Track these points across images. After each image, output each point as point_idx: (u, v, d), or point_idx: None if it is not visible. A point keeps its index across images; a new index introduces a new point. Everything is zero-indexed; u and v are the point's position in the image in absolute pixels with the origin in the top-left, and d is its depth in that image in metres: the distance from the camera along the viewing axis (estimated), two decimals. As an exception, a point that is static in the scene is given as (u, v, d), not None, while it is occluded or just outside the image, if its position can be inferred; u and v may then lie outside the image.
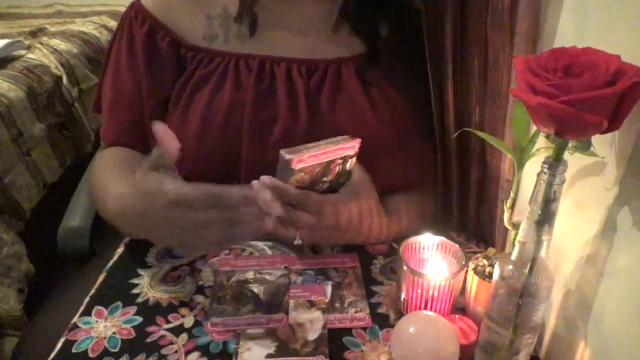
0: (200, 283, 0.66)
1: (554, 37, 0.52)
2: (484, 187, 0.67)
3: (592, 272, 0.47)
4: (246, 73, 0.70)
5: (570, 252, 0.51)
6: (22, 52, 1.56)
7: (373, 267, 0.69)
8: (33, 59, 1.53)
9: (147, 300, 0.63)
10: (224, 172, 0.70)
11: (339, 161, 0.63)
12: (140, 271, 0.68)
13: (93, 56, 1.75)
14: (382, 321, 0.61)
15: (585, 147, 0.42)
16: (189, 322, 0.60)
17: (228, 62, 0.70)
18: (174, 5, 0.72)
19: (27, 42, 1.63)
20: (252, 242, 0.73)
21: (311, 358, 0.55)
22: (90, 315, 0.61)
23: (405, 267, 0.57)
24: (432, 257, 0.62)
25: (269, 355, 0.55)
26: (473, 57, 0.60)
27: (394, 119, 0.70)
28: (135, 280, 0.67)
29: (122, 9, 0.77)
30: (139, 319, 0.60)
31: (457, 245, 0.60)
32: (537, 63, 0.39)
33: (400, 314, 0.61)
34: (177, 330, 0.59)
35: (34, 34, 1.77)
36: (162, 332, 0.59)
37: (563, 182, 0.43)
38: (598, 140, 0.43)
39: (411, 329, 0.53)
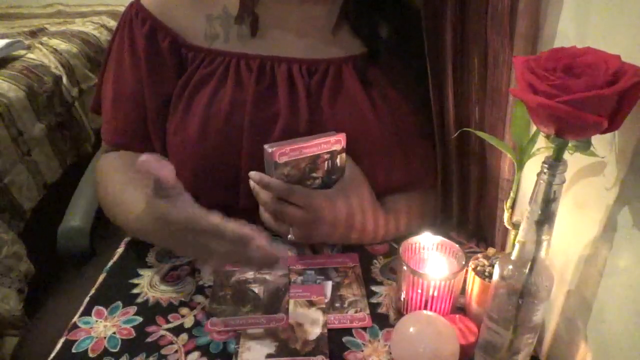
0: (200, 283, 0.66)
1: (554, 37, 0.52)
2: (484, 187, 0.67)
3: (592, 272, 0.47)
4: (247, 73, 0.70)
5: (570, 252, 0.51)
6: (22, 52, 1.56)
7: (373, 267, 0.69)
8: (33, 59, 1.53)
9: (147, 300, 0.63)
10: (225, 172, 0.70)
11: (326, 156, 0.64)
12: (140, 271, 0.68)
13: (93, 56, 1.75)
14: (382, 321, 0.61)
15: (585, 147, 0.42)
16: (189, 322, 0.60)
17: (229, 62, 0.70)
18: (174, 5, 0.72)
19: (27, 42, 1.63)
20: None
21: (311, 358, 0.55)
22: (90, 315, 0.61)
23: (405, 267, 0.57)
24: (432, 257, 0.62)
25: (269, 355, 0.55)
26: (473, 57, 0.60)
27: (394, 118, 0.70)
28: (135, 280, 0.67)
29: (122, 9, 0.77)
30: (139, 319, 0.60)
31: (457, 245, 0.60)
32: (537, 63, 0.39)
33: (400, 314, 0.61)
34: (177, 330, 0.59)
35: (34, 34, 1.77)
36: (162, 332, 0.59)
37: (563, 182, 0.43)
38: (598, 140, 0.43)
39: (411, 329, 0.53)
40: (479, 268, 0.58)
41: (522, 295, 0.46)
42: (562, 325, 0.53)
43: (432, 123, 0.68)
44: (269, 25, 0.72)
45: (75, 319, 0.61)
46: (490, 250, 0.61)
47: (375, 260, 0.70)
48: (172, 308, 0.62)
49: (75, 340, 0.58)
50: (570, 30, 0.49)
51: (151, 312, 0.62)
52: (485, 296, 0.55)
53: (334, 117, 0.69)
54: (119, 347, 0.57)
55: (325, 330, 0.58)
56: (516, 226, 0.52)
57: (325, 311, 0.61)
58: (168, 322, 0.60)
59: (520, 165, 0.52)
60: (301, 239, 0.68)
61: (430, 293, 0.57)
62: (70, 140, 1.57)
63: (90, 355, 0.56)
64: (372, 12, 0.72)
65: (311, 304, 0.62)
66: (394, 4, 0.74)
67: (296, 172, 0.63)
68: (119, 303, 0.63)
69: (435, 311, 0.58)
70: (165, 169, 0.55)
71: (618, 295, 0.44)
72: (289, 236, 0.66)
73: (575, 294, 0.50)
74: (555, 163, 0.42)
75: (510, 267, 0.48)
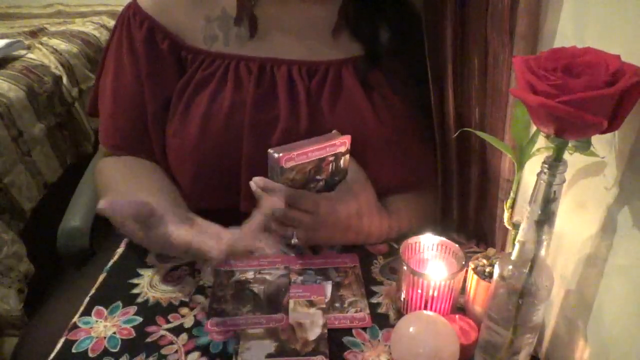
0: (200, 283, 0.66)
1: (554, 37, 0.52)
2: (484, 187, 0.67)
3: (592, 272, 0.47)
4: (247, 75, 0.70)
5: (570, 252, 0.51)
6: (22, 52, 1.56)
7: (373, 267, 0.69)
8: (33, 59, 1.53)
9: (147, 300, 0.63)
10: (224, 174, 0.70)
11: (331, 158, 0.63)
12: (140, 271, 0.68)
13: (93, 56, 1.75)
14: (382, 321, 0.61)
15: (585, 147, 0.42)
16: (189, 322, 0.60)
17: (228, 64, 0.70)
18: (172, 6, 0.72)
19: (27, 42, 1.63)
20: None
21: (311, 358, 0.55)
22: (90, 315, 0.61)
23: (405, 267, 0.57)
24: (432, 257, 0.62)
25: (269, 355, 0.55)
26: (473, 57, 0.60)
27: (394, 120, 0.70)
28: (135, 280, 0.67)
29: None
30: (139, 319, 0.60)
31: (457, 245, 0.60)
32: (537, 63, 0.39)
33: (400, 314, 0.61)
34: (177, 330, 0.59)
35: (34, 34, 1.77)
36: (162, 332, 0.59)
37: (563, 182, 0.43)
38: (598, 140, 0.43)
39: (411, 329, 0.53)
40: (479, 268, 0.58)
41: (522, 295, 0.46)
42: (562, 325, 0.53)
43: (432, 124, 0.68)
44: (269, 27, 0.71)
45: (75, 319, 0.61)
46: (490, 250, 0.61)
47: (375, 260, 0.71)
48: (172, 308, 0.62)
49: (75, 340, 0.58)
50: (570, 30, 0.49)
51: (151, 312, 0.62)
52: (485, 296, 0.55)
53: (334, 119, 0.69)
54: (119, 347, 0.57)
55: (325, 330, 0.58)
56: (516, 226, 0.52)
57: (325, 311, 0.61)
58: (168, 322, 0.60)
59: (520, 165, 0.52)
60: (306, 243, 0.68)
61: (430, 293, 0.57)
62: (70, 140, 1.57)
63: (90, 355, 0.56)
64: (371, 15, 0.72)
65: (311, 304, 0.62)
66: (393, 6, 0.73)
67: (301, 176, 0.62)
68: (119, 303, 0.63)
69: (435, 311, 0.58)
70: (124, 209, 0.55)
71: (618, 295, 0.44)
72: (293, 240, 0.65)
73: (575, 294, 0.50)
74: (555, 163, 0.42)
75: (510, 267, 0.48)
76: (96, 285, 0.66)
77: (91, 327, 0.59)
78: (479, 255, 0.60)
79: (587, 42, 0.41)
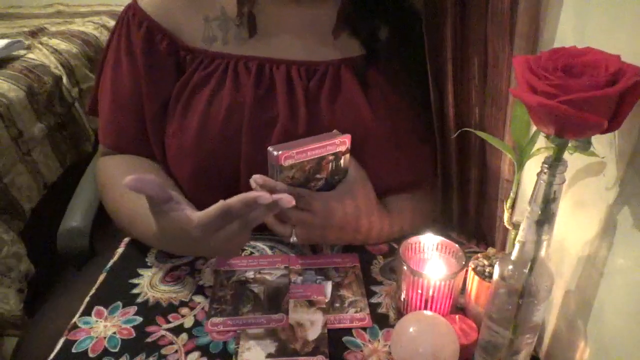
0: (200, 283, 0.66)
1: (554, 37, 0.52)
2: (484, 187, 0.67)
3: (592, 272, 0.47)
4: (245, 75, 0.70)
5: (570, 252, 0.51)
6: (22, 52, 1.56)
7: (373, 267, 0.69)
8: (33, 59, 1.53)
9: (147, 300, 0.63)
10: (223, 174, 0.70)
11: (331, 157, 0.63)
12: (140, 271, 0.68)
13: (93, 56, 1.75)
14: (382, 321, 0.61)
15: (585, 147, 0.42)
16: (189, 322, 0.60)
17: (227, 64, 0.70)
18: (171, 6, 0.72)
19: (27, 42, 1.63)
20: (251, 242, 0.73)
21: (311, 358, 0.55)
22: (90, 315, 0.61)
23: (405, 267, 0.57)
24: (432, 257, 0.62)
25: (269, 355, 0.55)
26: (473, 57, 0.60)
27: (393, 120, 0.70)
28: (135, 280, 0.67)
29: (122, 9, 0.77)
30: (139, 319, 0.60)
31: (457, 245, 0.60)
32: (537, 63, 0.39)
33: (400, 314, 0.61)
34: (177, 330, 0.59)
35: (34, 34, 1.77)
36: (162, 332, 0.59)
37: (563, 182, 0.43)
38: (598, 140, 0.43)
39: (411, 329, 0.53)
40: (479, 268, 0.58)
41: (522, 295, 0.46)
42: (562, 325, 0.53)
43: (432, 123, 0.68)
44: (268, 27, 0.71)
45: (75, 319, 0.61)
46: (490, 250, 0.61)
47: (375, 260, 0.70)
48: (172, 308, 0.62)
49: (75, 340, 0.58)
50: (570, 30, 0.49)
51: (151, 312, 0.62)
52: (485, 296, 0.55)
53: (333, 119, 0.69)
54: (119, 347, 0.57)
55: (325, 330, 0.58)
56: (516, 226, 0.52)
57: (325, 311, 0.61)
58: (168, 322, 0.60)
59: (520, 165, 0.52)
60: (305, 241, 0.68)
61: (430, 293, 0.57)
62: (70, 140, 1.57)
63: (90, 355, 0.56)
64: (371, 15, 0.72)
65: (311, 304, 0.62)
66: (393, 6, 0.73)
67: (301, 175, 0.62)
68: (119, 303, 0.63)
69: (435, 311, 0.58)
70: (149, 187, 0.55)
71: (618, 295, 0.44)
72: (292, 239, 0.65)
73: (575, 294, 0.50)
74: (555, 163, 0.42)
75: (510, 267, 0.48)
76: (96, 285, 0.66)
77: (91, 327, 0.59)
78: (479, 255, 0.60)
79: (587, 42, 0.41)
